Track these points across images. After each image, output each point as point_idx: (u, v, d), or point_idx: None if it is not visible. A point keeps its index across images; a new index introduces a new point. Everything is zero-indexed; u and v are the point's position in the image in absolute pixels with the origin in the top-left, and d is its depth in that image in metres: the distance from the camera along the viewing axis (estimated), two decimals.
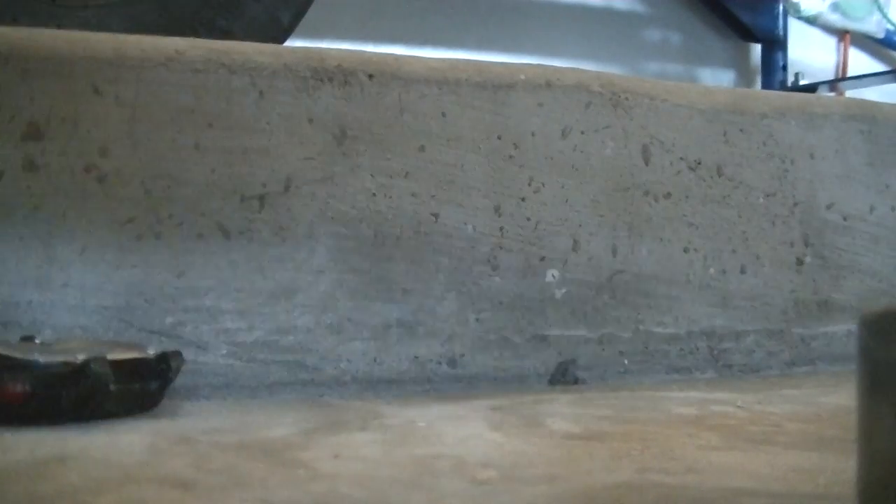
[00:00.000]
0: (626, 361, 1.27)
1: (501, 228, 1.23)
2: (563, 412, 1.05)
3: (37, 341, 1.01)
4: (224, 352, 1.12)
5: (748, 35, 2.89)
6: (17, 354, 0.93)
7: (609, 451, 0.86)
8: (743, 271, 1.34)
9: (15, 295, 1.06)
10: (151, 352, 0.99)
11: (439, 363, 1.19)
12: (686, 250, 1.32)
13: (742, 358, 1.33)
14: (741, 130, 1.37)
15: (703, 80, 2.80)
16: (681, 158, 1.32)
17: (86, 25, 1.37)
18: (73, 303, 1.07)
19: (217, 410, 1.03)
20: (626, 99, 1.30)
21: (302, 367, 1.14)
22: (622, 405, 1.10)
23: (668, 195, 1.31)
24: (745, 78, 2.92)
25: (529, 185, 1.25)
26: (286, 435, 0.91)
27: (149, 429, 0.91)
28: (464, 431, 0.95)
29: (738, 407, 1.09)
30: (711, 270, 1.33)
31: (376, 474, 0.78)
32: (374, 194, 1.18)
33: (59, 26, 1.16)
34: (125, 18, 1.56)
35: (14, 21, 1.33)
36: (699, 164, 1.33)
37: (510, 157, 1.24)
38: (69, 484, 0.73)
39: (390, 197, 1.18)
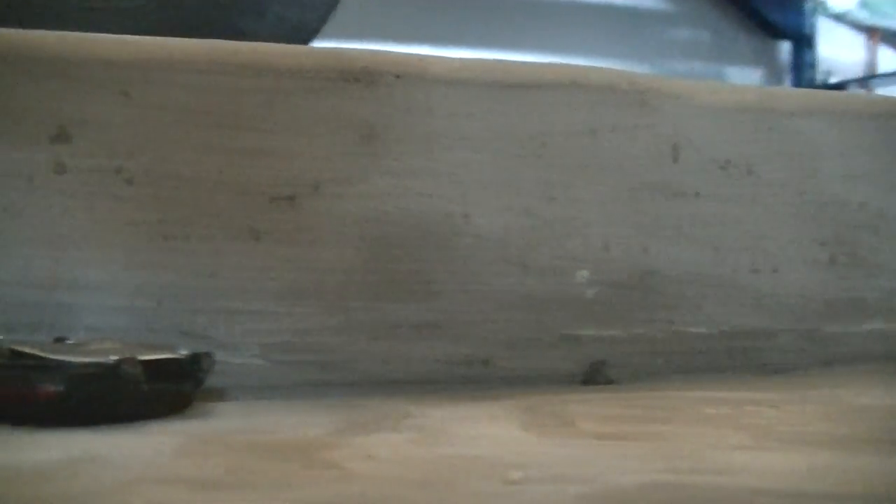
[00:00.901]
0: (658, 362, 1.26)
1: (530, 228, 1.22)
2: (594, 412, 1.04)
3: (69, 342, 1.01)
4: (254, 353, 1.12)
5: (777, 33, 2.89)
6: (50, 355, 0.93)
7: (640, 451, 0.86)
8: (775, 270, 1.34)
9: (46, 296, 1.07)
10: (182, 353, 0.99)
11: (470, 364, 1.19)
12: (717, 250, 1.31)
13: (775, 357, 1.33)
14: (770, 129, 1.36)
15: (731, 79, 2.80)
16: (710, 157, 1.32)
17: (114, 28, 1.37)
18: (104, 304, 1.08)
19: (247, 411, 1.03)
20: (654, 98, 1.30)
21: (332, 368, 1.14)
22: (654, 405, 1.09)
23: (697, 194, 1.31)
24: (773, 76, 2.91)
25: (558, 185, 1.24)
26: (317, 435, 0.91)
27: (179, 429, 0.91)
28: (494, 431, 0.95)
29: (771, 407, 1.08)
30: (743, 270, 1.32)
31: (407, 475, 0.78)
32: (402, 195, 1.18)
33: (87, 29, 1.16)
34: (139, 20, 1.56)
35: (42, 24, 1.33)
36: (728, 162, 1.32)
37: (538, 156, 1.24)
38: (98, 484, 0.74)
39: (418, 198, 1.18)
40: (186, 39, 1.15)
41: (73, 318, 1.07)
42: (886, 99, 1.54)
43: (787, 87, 2.69)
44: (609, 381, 1.23)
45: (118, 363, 0.92)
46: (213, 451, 0.84)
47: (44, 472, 0.76)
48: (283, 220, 1.14)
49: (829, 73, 2.76)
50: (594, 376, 1.23)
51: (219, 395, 1.08)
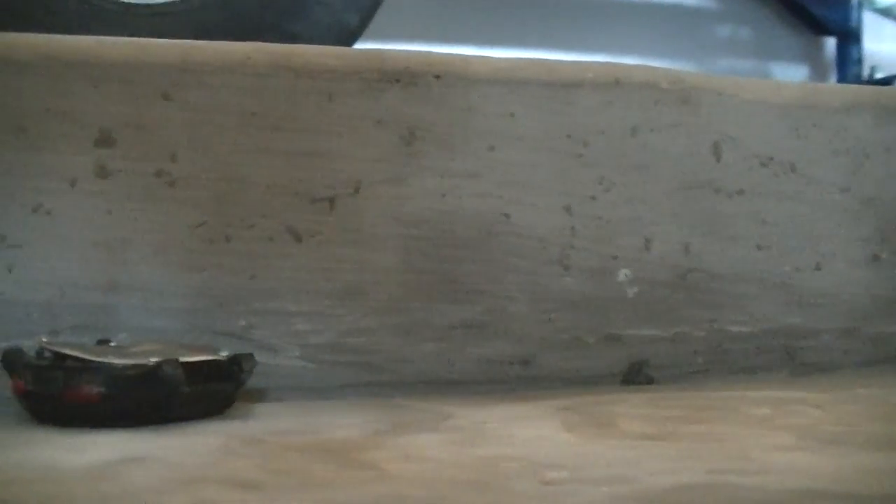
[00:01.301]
0: (699, 361, 1.26)
1: (572, 228, 1.22)
2: (635, 412, 1.04)
3: (112, 344, 1.02)
4: (295, 354, 1.12)
5: (822, 29, 2.86)
6: (92, 357, 0.94)
7: (680, 451, 0.86)
8: (818, 268, 1.32)
9: (89, 298, 1.08)
10: (223, 354, 1.00)
11: (510, 364, 1.19)
12: (759, 248, 1.30)
13: (817, 356, 1.32)
14: (814, 125, 1.35)
15: (775, 76, 2.78)
16: (752, 155, 1.31)
17: (155, 32, 1.38)
18: (146, 306, 1.09)
19: (288, 412, 1.03)
20: (696, 96, 1.29)
21: (372, 369, 1.14)
22: (695, 405, 1.09)
23: (740, 192, 1.30)
24: (819, 72, 2.89)
25: (600, 183, 1.24)
26: (356, 436, 0.91)
27: (220, 430, 0.92)
28: (534, 432, 0.94)
29: (815, 407, 1.07)
30: (786, 268, 1.31)
31: (445, 475, 0.78)
32: (443, 195, 1.18)
33: (129, 34, 1.17)
34: (193, 25, 1.57)
35: (86, 30, 1.34)
36: (771, 160, 1.31)
37: (579, 155, 1.23)
38: (139, 484, 0.74)
39: (460, 197, 1.18)
40: (225, 42, 1.16)
41: (116, 319, 1.08)
42: None
43: (831, 84, 2.66)
44: (650, 381, 1.23)
45: (159, 365, 0.93)
46: (253, 452, 0.84)
47: (86, 473, 0.77)
48: (324, 221, 1.14)
49: (874, 69, 2.73)
50: (635, 376, 1.23)
51: (260, 396, 1.08)
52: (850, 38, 2.82)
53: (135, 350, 0.98)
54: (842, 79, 2.78)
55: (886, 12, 2.70)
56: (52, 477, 0.77)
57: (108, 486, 0.73)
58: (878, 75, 2.78)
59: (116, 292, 1.08)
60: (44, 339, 1.00)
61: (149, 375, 0.93)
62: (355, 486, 0.75)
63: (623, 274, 1.24)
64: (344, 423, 0.97)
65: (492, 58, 1.26)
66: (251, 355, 1.01)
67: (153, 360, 0.93)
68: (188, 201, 1.11)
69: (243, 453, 0.84)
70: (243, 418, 0.99)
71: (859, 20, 2.83)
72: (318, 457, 0.83)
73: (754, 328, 1.29)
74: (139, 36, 1.15)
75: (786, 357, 1.30)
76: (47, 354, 0.96)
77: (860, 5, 2.77)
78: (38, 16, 1.49)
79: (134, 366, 0.93)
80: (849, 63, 2.81)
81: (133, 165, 1.09)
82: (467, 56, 1.24)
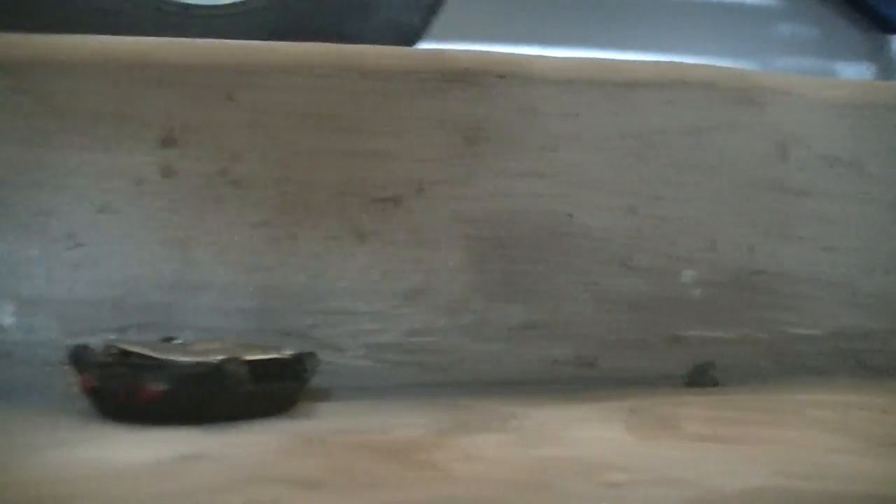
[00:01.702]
0: (764, 363, 1.25)
1: (636, 228, 1.22)
2: (698, 414, 1.03)
3: (176, 342, 1.03)
4: (359, 353, 1.13)
5: (889, 27, 2.83)
6: (157, 354, 0.95)
7: (743, 454, 0.85)
8: (887, 271, 1.31)
9: (155, 297, 1.09)
10: (287, 353, 1.00)
11: (573, 364, 1.19)
12: (825, 249, 1.29)
13: (885, 360, 1.30)
14: (881, 125, 1.33)
15: (841, 75, 2.74)
16: (817, 155, 1.29)
17: (217, 34, 1.39)
18: (211, 305, 1.09)
19: (351, 411, 1.03)
20: (761, 95, 1.28)
21: (436, 368, 1.15)
22: (759, 408, 1.08)
23: (805, 192, 1.28)
24: (885, 71, 2.85)
25: (663, 184, 1.23)
26: (418, 436, 0.91)
27: (283, 429, 0.92)
28: (596, 433, 0.94)
29: (882, 412, 1.06)
30: (852, 269, 1.30)
31: (506, 476, 0.78)
32: (506, 195, 1.18)
33: (192, 35, 1.18)
34: (255, 26, 1.58)
35: (150, 32, 1.35)
36: (837, 160, 1.30)
37: (642, 155, 1.23)
38: (201, 483, 0.74)
39: (522, 198, 1.18)
40: (287, 43, 1.17)
41: (181, 318, 1.09)
42: None
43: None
44: (714, 383, 1.22)
45: (222, 363, 0.93)
46: (315, 451, 0.85)
47: (149, 471, 0.78)
48: (387, 221, 1.14)
49: None
50: (699, 378, 1.22)
51: (324, 395, 1.09)
52: None
53: (199, 348, 0.99)
54: None
55: None
56: (115, 474, 0.77)
57: (170, 485, 0.74)
58: None
59: (181, 291, 1.09)
60: (110, 337, 1.02)
61: (212, 373, 0.93)
62: (417, 487, 0.75)
63: (687, 275, 1.23)
64: (406, 422, 0.97)
65: (554, 58, 1.25)
66: (314, 354, 1.02)
67: (217, 358, 0.94)
68: (252, 201, 1.11)
69: (305, 452, 0.84)
70: (307, 417, 0.99)
71: None
72: (380, 456, 0.83)
73: (819, 330, 1.27)
74: (202, 38, 1.16)
75: (851, 360, 1.28)
76: (113, 352, 0.97)
77: None
78: (102, 19, 1.51)
79: (198, 364, 0.94)
80: None
81: (197, 165, 1.10)
82: (529, 56, 1.24)
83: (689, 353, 1.22)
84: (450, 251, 1.16)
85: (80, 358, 0.97)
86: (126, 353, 0.96)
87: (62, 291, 1.07)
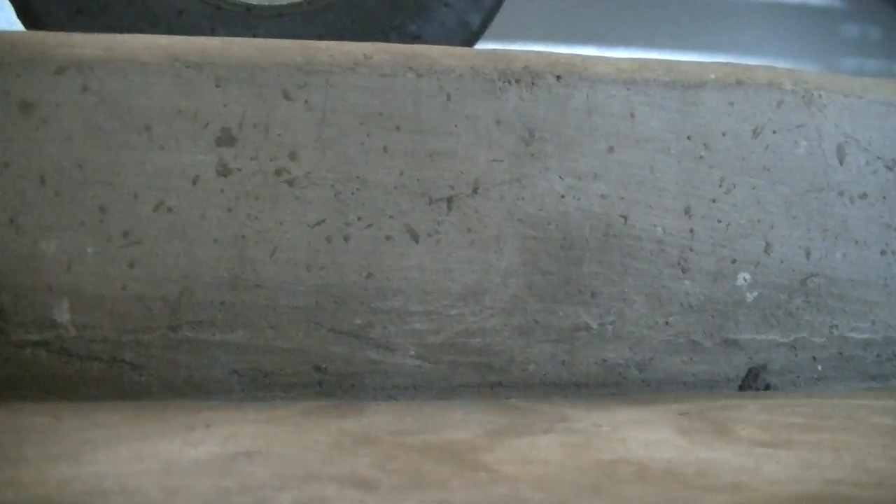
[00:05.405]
0: (819, 367, 1.24)
1: (691, 230, 1.21)
2: (752, 419, 1.03)
3: None
4: (412, 353, 1.13)
5: None
6: None
7: (798, 460, 0.84)
8: None
9: (209, 295, 1.09)
10: None
11: (627, 367, 1.18)
12: (883, 253, 1.28)
13: None
14: None
15: None
16: (877, 157, 1.28)
17: (278, 33, 1.40)
18: (265, 303, 1.10)
19: (403, 411, 1.04)
20: (820, 96, 1.27)
21: (489, 369, 1.15)
22: (814, 413, 1.07)
23: (863, 196, 1.27)
24: None
25: (720, 186, 1.22)
26: (470, 437, 0.92)
27: (335, 427, 0.93)
28: (649, 436, 0.94)
29: None
30: None
31: (558, 478, 0.78)
32: (562, 196, 1.18)
33: (253, 35, 1.19)
34: (316, 25, 1.59)
35: (211, 32, 1.37)
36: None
37: (700, 157, 1.22)
38: (257, 479, 0.75)
39: (579, 198, 1.18)
40: (346, 42, 1.17)
41: (235, 316, 1.10)
42: None
43: None
44: (767, 387, 1.21)
45: None
46: (365, 451, 0.85)
47: (205, 467, 0.78)
48: (442, 221, 1.15)
49: None
50: (753, 381, 1.21)
51: (375, 394, 1.09)
52: None
53: None
54: None
55: None
56: (172, 470, 0.78)
57: (227, 481, 0.75)
58: None
59: (235, 289, 1.10)
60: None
61: None
62: (469, 488, 0.75)
63: (742, 277, 1.22)
64: (459, 423, 0.98)
65: (612, 58, 1.25)
66: None
67: None
68: (307, 200, 1.12)
69: (357, 451, 0.84)
70: (357, 416, 0.99)
71: None
72: (432, 457, 0.83)
73: (876, 335, 1.26)
74: (263, 37, 1.17)
75: None
76: None
77: None
78: (163, 18, 1.52)
79: None
80: None
81: (253, 164, 1.11)
82: (588, 56, 1.24)
83: (743, 356, 1.22)
84: (504, 251, 1.16)
85: None
86: None
87: (116, 289, 1.08)
